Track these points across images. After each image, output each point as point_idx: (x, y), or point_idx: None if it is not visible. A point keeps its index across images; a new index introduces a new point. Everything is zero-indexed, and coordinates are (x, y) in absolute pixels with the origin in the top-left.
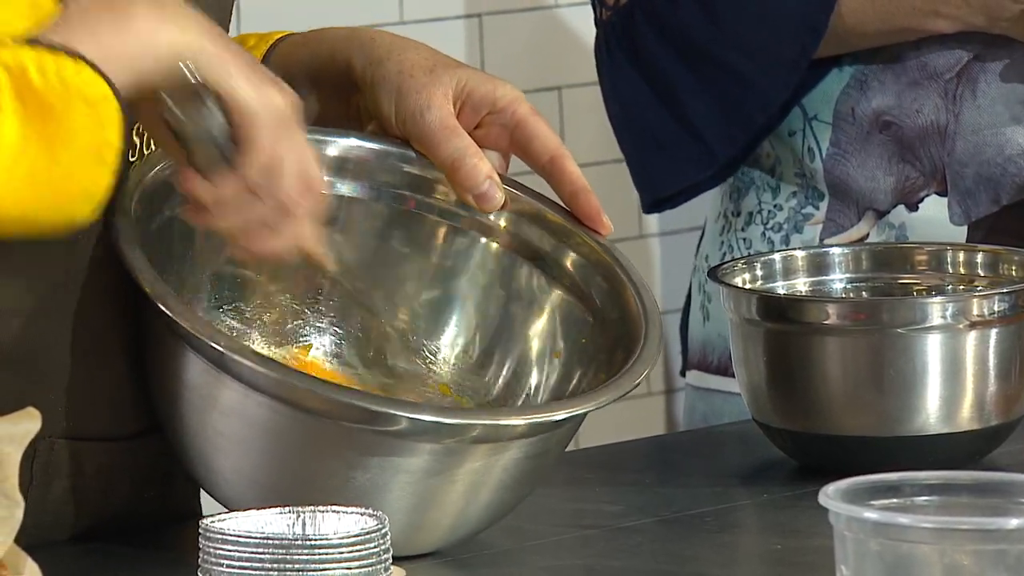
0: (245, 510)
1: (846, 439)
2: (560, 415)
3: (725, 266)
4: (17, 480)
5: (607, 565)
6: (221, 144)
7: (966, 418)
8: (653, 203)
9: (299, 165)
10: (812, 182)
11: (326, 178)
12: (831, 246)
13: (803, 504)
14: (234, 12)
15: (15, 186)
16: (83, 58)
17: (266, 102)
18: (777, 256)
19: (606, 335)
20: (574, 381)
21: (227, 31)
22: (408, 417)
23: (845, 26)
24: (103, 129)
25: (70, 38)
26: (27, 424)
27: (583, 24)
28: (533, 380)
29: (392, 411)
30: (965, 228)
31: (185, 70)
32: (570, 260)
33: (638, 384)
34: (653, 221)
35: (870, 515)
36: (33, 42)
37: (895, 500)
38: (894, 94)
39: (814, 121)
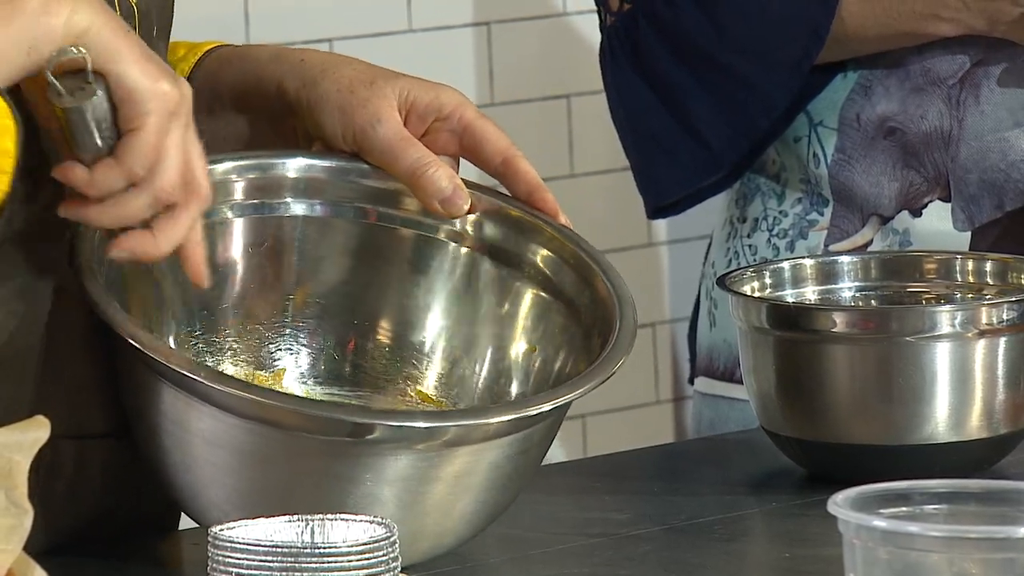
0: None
1: (855, 447)
2: (535, 410)
3: (734, 274)
4: (26, 488)
5: (614, 574)
6: (104, 129)
7: (975, 427)
8: (657, 209)
9: (183, 161)
10: (817, 188)
11: (290, 200)
12: (840, 254)
13: (812, 512)
14: (244, 19)
15: None
16: None
17: (156, 90)
18: (786, 264)
19: (580, 322)
20: (555, 372)
21: (170, 21)
22: (384, 424)
23: (846, 30)
24: None
25: None
26: (36, 433)
27: (592, 32)
28: (515, 378)
29: (368, 420)
30: (969, 234)
31: (75, 52)
32: (536, 254)
33: (614, 372)
34: (662, 229)
35: (879, 523)
36: None
37: (904, 508)
38: (898, 100)
39: (819, 127)
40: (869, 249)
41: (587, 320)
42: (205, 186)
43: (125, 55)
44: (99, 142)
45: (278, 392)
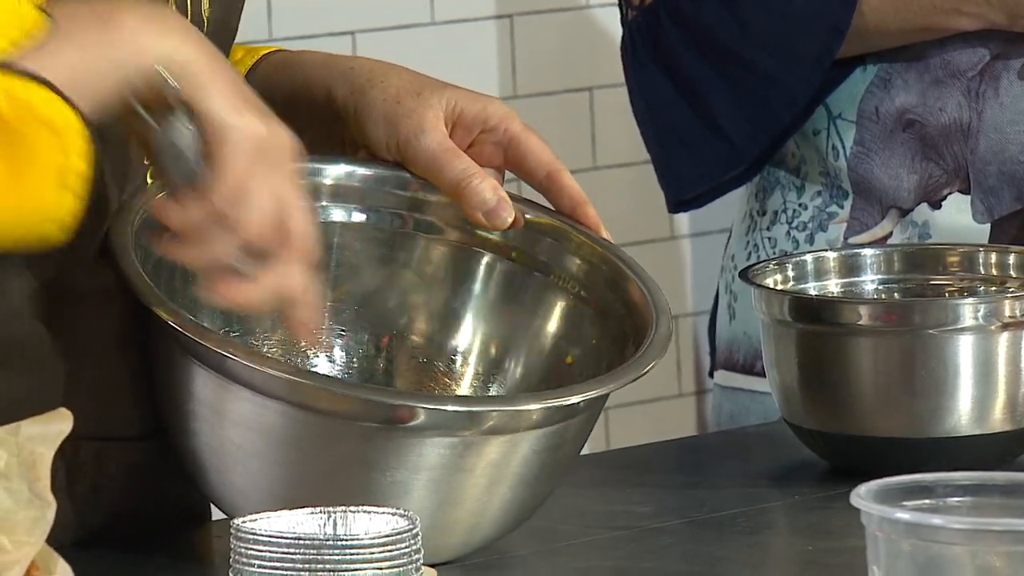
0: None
1: (878, 440)
2: (573, 399)
3: (756, 267)
4: (49, 481)
5: (637, 567)
6: (190, 161)
7: (998, 419)
8: (678, 203)
9: (275, 205)
10: (836, 181)
11: (329, 206)
12: (862, 247)
13: (835, 505)
14: (267, 13)
15: None
16: (51, 85)
17: (244, 126)
18: (809, 257)
19: (615, 331)
20: (588, 379)
21: (234, 36)
22: (425, 408)
23: (867, 25)
24: (67, 156)
25: (53, 47)
26: (59, 425)
27: (614, 25)
28: (549, 385)
29: (408, 403)
30: (988, 226)
31: (163, 76)
32: (571, 263)
33: (649, 370)
34: (684, 222)
35: (902, 516)
36: (3, 66)
37: (927, 501)
38: (917, 92)
39: (838, 120)
40: (889, 242)
41: (622, 328)
42: (304, 238)
43: (213, 87)
44: (184, 173)
45: (315, 374)
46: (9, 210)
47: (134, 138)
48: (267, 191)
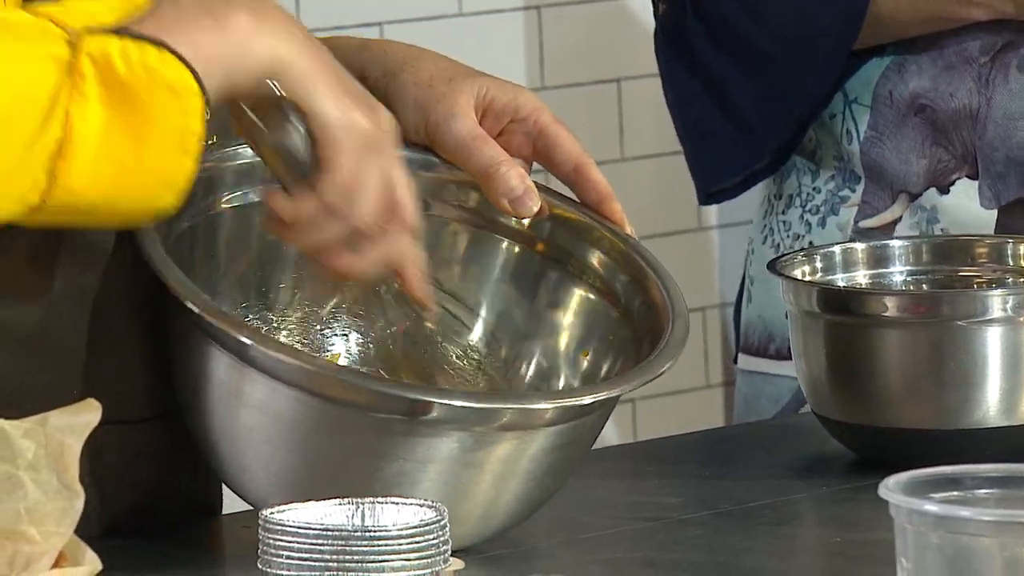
0: (304, 501)
1: (906, 432)
2: (587, 399)
3: (785, 258)
4: (77, 471)
5: (665, 558)
6: (301, 160)
7: None
8: (707, 195)
9: (383, 188)
10: (849, 165)
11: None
12: (891, 238)
13: (862, 497)
14: (295, 5)
15: (99, 173)
16: (167, 46)
17: (349, 123)
18: (837, 248)
19: (632, 328)
20: (603, 374)
21: None
22: (439, 403)
23: (882, 15)
24: (186, 117)
25: (162, 37)
26: (87, 415)
27: (642, 16)
28: (562, 379)
29: (422, 397)
30: (995, 212)
31: (271, 85)
32: (592, 257)
33: (664, 371)
34: (712, 214)
35: (930, 508)
36: (119, 31)
37: (956, 493)
38: (930, 78)
39: (854, 104)
40: (898, 226)
41: (639, 326)
42: (411, 213)
43: (320, 89)
44: (295, 172)
45: (329, 363)
46: (130, 176)
47: (244, 137)
48: (375, 179)
